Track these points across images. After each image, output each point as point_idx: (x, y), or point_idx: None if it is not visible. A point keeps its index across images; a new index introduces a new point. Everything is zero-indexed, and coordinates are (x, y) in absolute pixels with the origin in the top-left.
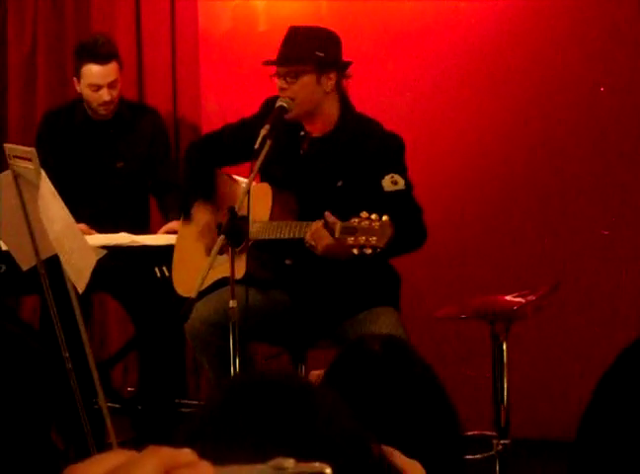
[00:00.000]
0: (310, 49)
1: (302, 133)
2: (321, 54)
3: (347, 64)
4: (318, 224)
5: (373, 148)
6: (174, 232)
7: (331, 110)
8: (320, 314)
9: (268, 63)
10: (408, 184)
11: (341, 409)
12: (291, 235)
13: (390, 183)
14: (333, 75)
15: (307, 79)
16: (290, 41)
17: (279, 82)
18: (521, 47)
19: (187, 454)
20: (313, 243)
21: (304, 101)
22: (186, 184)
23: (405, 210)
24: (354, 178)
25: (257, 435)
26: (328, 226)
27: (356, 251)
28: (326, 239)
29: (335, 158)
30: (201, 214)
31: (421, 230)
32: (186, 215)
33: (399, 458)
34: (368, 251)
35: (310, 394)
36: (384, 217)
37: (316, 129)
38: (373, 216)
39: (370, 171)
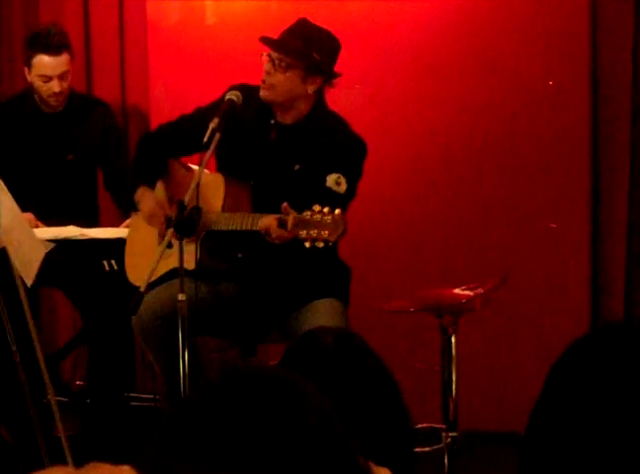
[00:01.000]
0: (310, 48)
1: (273, 122)
2: (317, 57)
3: (336, 75)
4: (271, 221)
5: (334, 144)
6: None
7: (303, 106)
8: (268, 306)
9: (265, 41)
10: (350, 191)
11: (331, 414)
12: (244, 227)
13: (334, 182)
14: (319, 80)
15: (294, 74)
16: (295, 32)
17: (266, 65)
18: (471, 41)
19: (126, 473)
20: (269, 234)
21: (283, 93)
22: (133, 172)
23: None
24: (310, 164)
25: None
26: (281, 220)
27: (308, 244)
28: (283, 235)
29: (298, 144)
30: (147, 197)
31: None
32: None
33: (373, 467)
34: (320, 244)
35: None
36: (337, 211)
37: (285, 119)
38: (325, 210)
39: (324, 162)
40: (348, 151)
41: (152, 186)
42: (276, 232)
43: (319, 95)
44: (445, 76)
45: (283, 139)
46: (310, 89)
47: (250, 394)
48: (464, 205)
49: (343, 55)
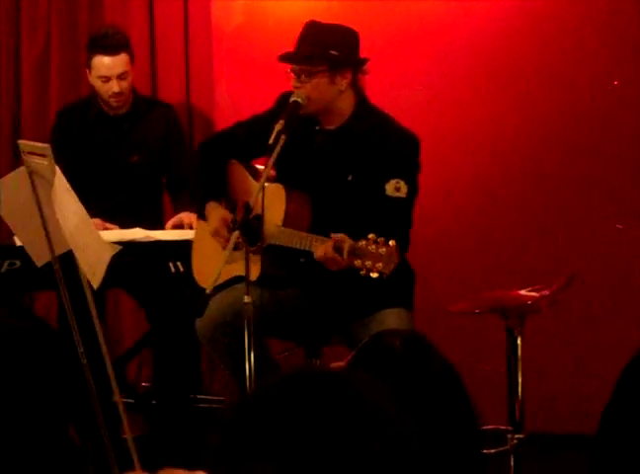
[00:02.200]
0: (324, 48)
1: (317, 128)
2: (335, 53)
3: (363, 61)
4: (329, 250)
5: (386, 147)
6: (180, 225)
7: (345, 106)
8: (331, 313)
9: (282, 59)
10: (411, 192)
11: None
12: (302, 247)
13: (393, 188)
14: (348, 73)
15: (320, 79)
16: (306, 39)
17: (292, 80)
18: (533, 42)
19: None
20: (325, 261)
21: (317, 100)
22: (199, 184)
23: (395, 219)
24: (363, 174)
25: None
26: (336, 246)
27: (363, 273)
28: (339, 264)
29: (347, 151)
30: (215, 213)
31: (402, 243)
32: (201, 216)
33: None
34: (375, 275)
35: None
36: (391, 242)
37: (331, 123)
38: (380, 240)
39: (379, 170)
40: (401, 152)
41: (220, 199)
42: (332, 260)
43: (356, 88)
44: (507, 79)
45: (329, 145)
46: (343, 85)
47: (309, 396)
48: (530, 206)
49: (404, 57)
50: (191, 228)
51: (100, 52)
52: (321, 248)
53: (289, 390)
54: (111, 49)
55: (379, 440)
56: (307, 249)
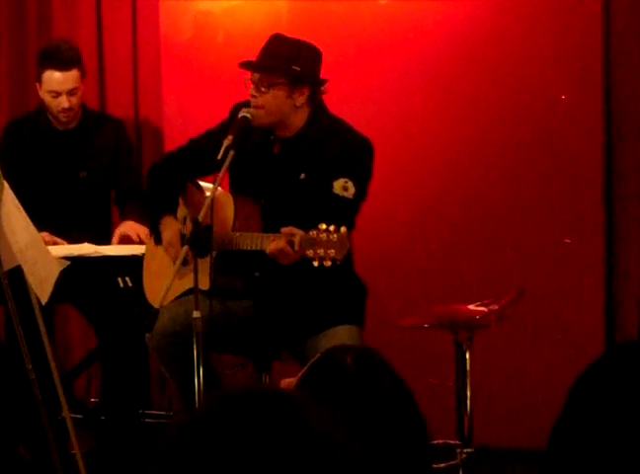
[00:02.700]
0: (287, 62)
1: (272, 137)
2: (297, 69)
3: (322, 82)
4: (279, 243)
5: (337, 147)
6: (127, 237)
7: (298, 120)
8: (284, 327)
9: (243, 65)
10: (359, 194)
11: (327, 416)
12: (253, 247)
13: (341, 187)
14: (305, 90)
15: (279, 91)
16: (270, 50)
17: (251, 88)
18: (488, 54)
19: None
20: (278, 256)
21: (272, 112)
22: (150, 203)
23: (339, 218)
24: (315, 172)
25: (250, 449)
26: (288, 239)
27: (315, 263)
28: (291, 257)
29: (302, 154)
30: (168, 229)
31: None
32: (156, 236)
33: None
34: (328, 263)
35: (296, 402)
36: (342, 229)
37: (284, 134)
38: (331, 228)
39: (329, 168)
40: (352, 154)
41: (174, 213)
42: (284, 253)
43: (313, 103)
44: (457, 88)
45: (287, 152)
46: (298, 101)
47: (248, 415)
48: (478, 221)
49: (358, 67)
50: (139, 239)
51: (51, 67)
52: (273, 243)
53: (232, 410)
54: (62, 65)
55: (319, 468)
56: (259, 248)
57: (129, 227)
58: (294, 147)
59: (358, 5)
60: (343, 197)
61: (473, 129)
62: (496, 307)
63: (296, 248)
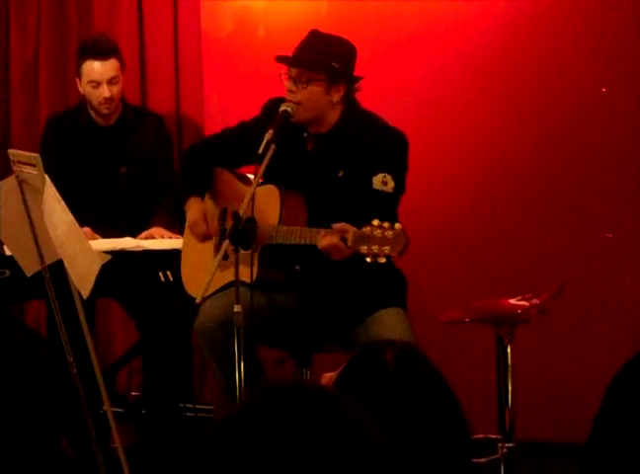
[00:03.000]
0: (327, 58)
1: (306, 135)
2: (336, 65)
3: (358, 79)
4: (332, 239)
5: (373, 142)
6: (152, 238)
7: (333, 116)
8: (329, 319)
9: (281, 60)
10: (398, 187)
11: (368, 418)
12: (302, 241)
13: (381, 182)
14: (342, 87)
15: (317, 87)
16: (309, 45)
17: (287, 83)
18: (525, 49)
19: None
20: (331, 251)
21: (310, 108)
22: (182, 183)
23: (381, 213)
24: (353, 169)
25: (289, 445)
26: (341, 235)
27: (369, 259)
28: (344, 252)
29: (338, 150)
30: (195, 206)
31: None
32: (182, 212)
33: None
34: (382, 260)
35: (341, 405)
36: (397, 225)
37: (319, 130)
38: (386, 224)
39: (367, 164)
40: (388, 148)
41: (202, 196)
42: (337, 248)
43: (347, 100)
44: (503, 85)
45: (321, 148)
46: (335, 98)
47: (285, 413)
48: (519, 215)
49: (394, 64)
50: None
51: (90, 57)
52: (326, 238)
53: (272, 406)
54: (101, 54)
55: (356, 464)
56: (309, 242)
57: (156, 231)
58: (329, 143)
59: (396, 1)
60: (383, 192)
61: (513, 123)
62: (537, 301)
63: (349, 244)
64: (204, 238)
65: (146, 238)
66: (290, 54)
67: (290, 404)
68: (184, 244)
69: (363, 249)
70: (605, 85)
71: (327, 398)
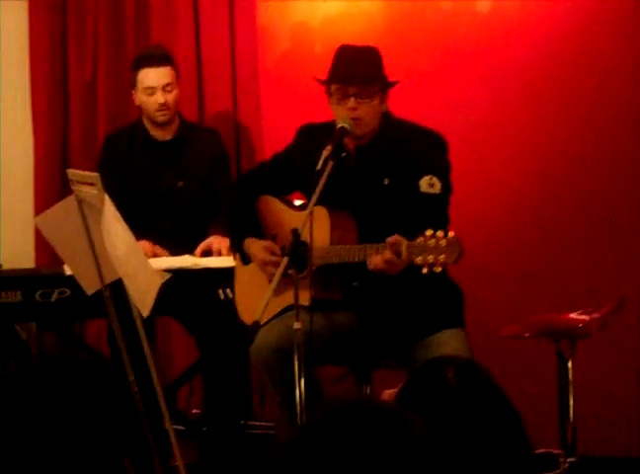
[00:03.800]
0: (379, 69)
1: (344, 155)
2: (385, 75)
3: (396, 83)
4: (387, 254)
5: (414, 147)
6: (210, 247)
7: (377, 124)
8: (389, 336)
9: (343, 80)
10: (445, 188)
11: (431, 435)
12: (355, 259)
13: (427, 185)
14: (387, 95)
15: (377, 100)
16: (358, 61)
17: (348, 102)
18: (579, 62)
19: None
20: (384, 268)
21: (370, 122)
22: (236, 219)
23: (432, 215)
24: (399, 175)
25: (356, 463)
26: (394, 249)
27: (425, 270)
28: (398, 266)
29: (379, 159)
30: (256, 245)
31: None
32: (242, 255)
33: None
34: (438, 269)
35: (406, 422)
36: (450, 234)
37: (358, 143)
38: (439, 233)
39: (412, 169)
40: (430, 150)
41: (258, 236)
42: (391, 263)
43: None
44: (557, 97)
45: (363, 161)
46: (385, 107)
47: (351, 431)
48: (579, 227)
49: (449, 78)
50: (219, 254)
51: (144, 65)
52: (377, 257)
53: (338, 425)
54: (155, 61)
55: None
56: (362, 259)
57: (214, 239)
58: (370, 155)
59: (452, 13)
60: (432, 194)
61: (573, 137)
62: (597, 315)
63: (404, 257)
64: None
65: (204, 248)
66: (327, 72)
67: (356, 421)
68: (236, 275)
69: (419, 260)
70: None
71: (392, 415)
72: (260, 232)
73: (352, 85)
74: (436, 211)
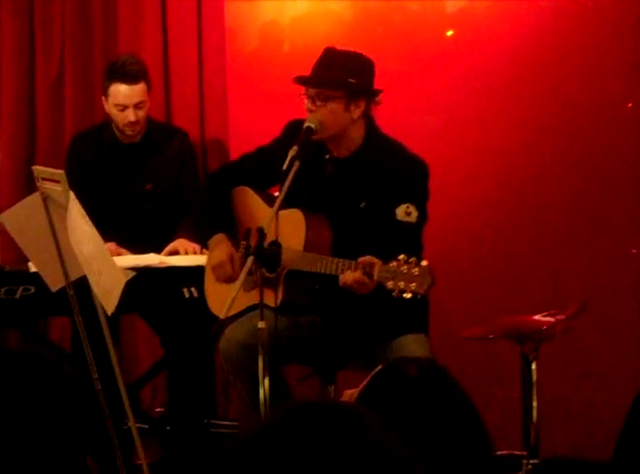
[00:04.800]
0: (344, 75)
1: (327, 157)
2: (353, 81)
3: (377, 92)
4: (357, 274)
5: (395, 173)
6: (176, 252)
7: (356, 135)
8: (351, 339)
9: (299, 81)
10: (421, 217)
11: (389, 433)
12: (327, 271)
13: (404, 213)
14: (362, 103)
15: (336, 105)
16: (325, 64)
17: (307, 102)
18: (550, 65)
19: None
20: (354, 286)
21: (330, 126)
22: (205, 214)
23: (406, 244)
24: (376, 200)
25: (308, 459)
26: (366, 270)
27: (395, 294)
28: (368, 286)
29: (358, 179)
30: (222, 246)
31: None
32: (204, 245)
33: None
34: (408, 295)
35: (359, 418)
36: (423, 262)
37: (340, 152)
38: (411, 260)
39: (390, 195)
40: (411, 177)
41: (227, 231)
42: (361, 283)
43: (368, 118)
44: (522, 102)
45: (340, 174)
46: (355, 114)
47: (305, 430)
48: (542, 231)
49: (419, 81)
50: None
51: (118, 80)
52: (349, 274)
53: (295, 424)
54: (129, 78)
55: None
56: (333, 273)
57: (180, 244)
58: (349, 169)
59: (422, 14)
60: (407, 223)
61: (535, 139)
62: (562, 318)
63: (375, 278)
64: (228, 281)
65: (170, 252)
66: (307, 74)
67: (310, 421)
68: (207, 264)
69: (390, 284)
70: (632, 100)
71: (346, 414)
72: (232, 224)
73: (308, 86)
74: (410, 240)
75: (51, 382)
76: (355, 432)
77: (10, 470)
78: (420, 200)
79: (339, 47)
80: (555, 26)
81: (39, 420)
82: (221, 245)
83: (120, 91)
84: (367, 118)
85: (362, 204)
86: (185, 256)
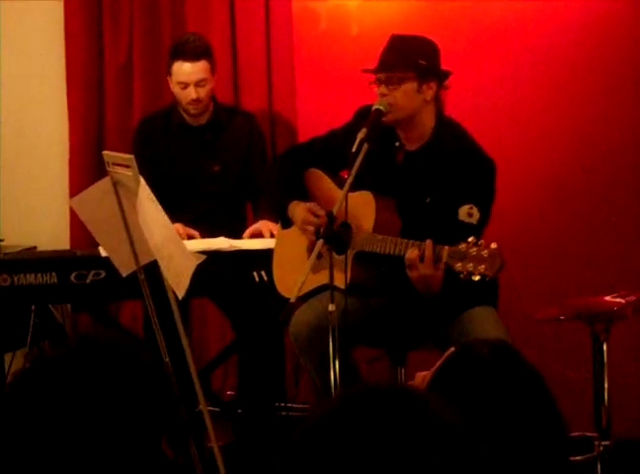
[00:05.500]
0: (413, 56)
1: (397, 144)
2: (423, 62)
3: (447, 74)
4: (428, 248)
5: (462, 172)
6: (259, 234)
7: (427, 120)
8: (420, 318)
9: (367, 71)
10: (483, 219)
11: (455, 416)
12: (395, 252)
13: (466, 214)
14: (434, 84)
15: (409, 86)
16: (393, 48)
17: (379, 88)
18: (609, 44)
19: None
20: (416, 270)
21: (404, 107)
22: (278, 190)
23: None
24: (440, 197)
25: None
26: (435, 249)
27: (463, 276)
28: (437, 277)
29: (427, 174)
30: (297, 210)
31: None
32: (283, 221)
33: None
34: (476, 278)
35: (424, 402)
36: (493, 245)
37: (411, 139)
38: (481, 243)
39: (455, 194)
40: (477, 178)
41: (302, 199)
42: (429, 258)
43: (439, 100)
44: (585, 82)
45: (411, 166)
46: (428, 95)
47: (370, 415)
48: (614, 212)
49: (482, 61)
50: (271, 236)
51: (180, 58)
52: (413, 250)
53: (357, 408)
54: (190, 56)
55: (442, 460)
56: (402, 254)
57: (263, 225)
58: (418, 162)
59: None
60: (467, 224)
61: (607, 114)
62: (633, 298)
63: (444, 259)
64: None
65: (252, 233)
66: (376, 56)
67: (375, 406)
68: (276, 247)
69: (458, 266)
70: None
71: (411, 399)
72: (304, 197)
73: (378, 72)
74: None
75: (129, 368)
76: (417, 412)
77: (90, 455)
78: (484, 202)
79: (403, 33)
80: (615, 9)
81: (117, 405)
82: (298, 207)
83: (182, 68)
84: (438, 104)
85: (428, 200)
86: (255, 239)
